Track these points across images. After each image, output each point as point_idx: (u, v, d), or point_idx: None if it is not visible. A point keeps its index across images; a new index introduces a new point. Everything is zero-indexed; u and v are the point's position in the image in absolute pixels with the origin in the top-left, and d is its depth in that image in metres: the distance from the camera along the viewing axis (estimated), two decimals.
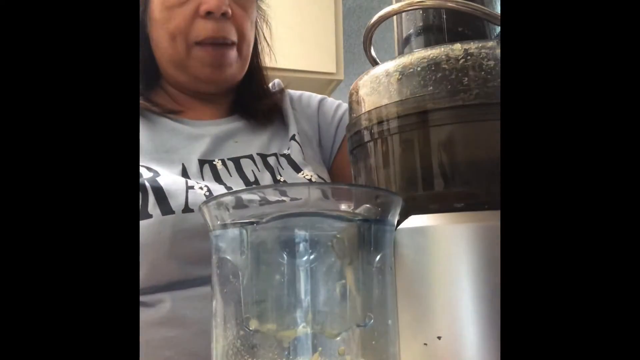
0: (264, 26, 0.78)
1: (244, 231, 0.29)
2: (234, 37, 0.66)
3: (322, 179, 0.70)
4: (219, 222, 0.31)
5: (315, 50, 1.79)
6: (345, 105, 0.81)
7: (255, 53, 0.75)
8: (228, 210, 0.31)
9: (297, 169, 0.68)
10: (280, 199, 0.30)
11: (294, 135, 0.72)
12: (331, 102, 0.82)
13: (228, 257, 0.31)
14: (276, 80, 0.82)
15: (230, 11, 0.64)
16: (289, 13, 1.74)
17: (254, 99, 0.74)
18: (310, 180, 0.67)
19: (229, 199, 0.31)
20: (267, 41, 0.79)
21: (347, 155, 0.79)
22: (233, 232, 0.30)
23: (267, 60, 0.79)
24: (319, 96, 0.83)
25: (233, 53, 0.67)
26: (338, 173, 0.78)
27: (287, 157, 0.69)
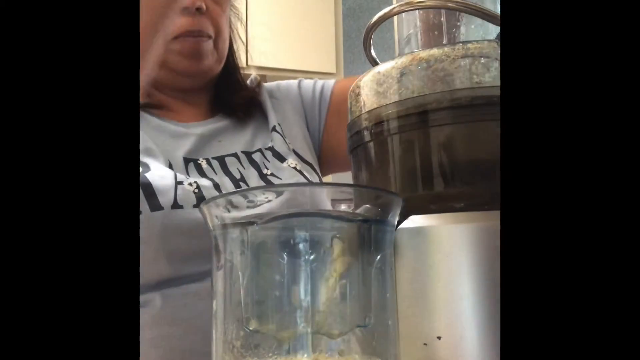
0: (239, 25, 0.80)
1: (244, 231, 0.29)
2: (210, 31, 0.68)
3: (308, 163, 0.71)
4: (219, 222, 0.31)
5: (315, 50, 1.80)
6: (322, 81, 0.82)
7: (231, 51, 0.77)
8: (228, 210, 0.31)
9: (282, 158, 0.69)
10: (270, 199, 0.30)
11: (274, 126, 0.73)
12: (308, 81, 0.84)
13: (228, 258, 0.31)
14: (252, 75, 0.83)
15: (204, 6, 0.66)
16: (289, 13, 1.74)
17: (232, 93, 0.75)
18: (295, 168, 0.68)
19: (228, 199, 0.31)
20: (241, 40, 0.81)
21: (335, 130, 0.79)
22: (233, 232, 0.30)
23: (244, 59, 0.81)
24: (297, 80, 0.85)
25: (209, 45, 0.68)
26: (329, 151, 0.78)
27: (271, 149, 0.70)
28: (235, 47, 0.79)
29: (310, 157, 0.73)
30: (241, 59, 0.81)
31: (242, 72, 0.80)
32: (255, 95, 0.78)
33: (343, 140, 0.43)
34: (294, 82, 0.84)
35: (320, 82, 0.82)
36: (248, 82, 0.81)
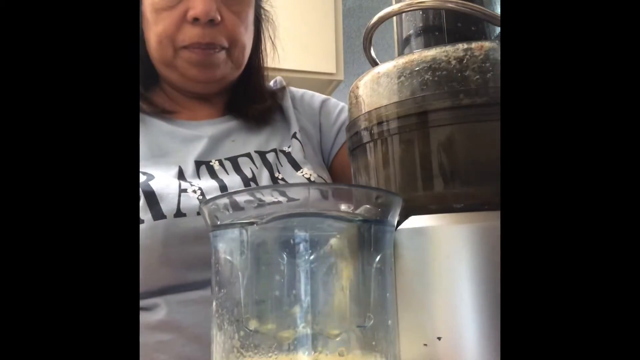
0: (269, 27, 0.78)
1: (244, 231, 0.29)
2: (223, 43, 0.65)
3: (322, 178, 0.70)
4: (219, 222, 0.31)
5: (315, 50, 1.79)
6: (346, 105, 0.81)
7: (256, 54, 0.75)
8: (228, 210, 0.31)
9: (297, 167, 0.68)
10: (278, 199, 0.30)
11: (295, 133, 0.72)
12: (334, 103, 0.82)
13: (228, 258, 0.31)
14: (278, 78, 0.81)
15: (218, 17, 0.63)
16: (289, 13, 1.74)
17: (248, 101, 0.73)
18: (309, 179, 0.67)
19: (228, 199, 0.31)
20: (272, 41, 0.78)
21: (347, 158, 0.78)
22: (233, 232, 0.30)
23: (270, 61, 0.78)
24: (322, 96, 0.83)
25: (221, 55, 0.66)
26: (336, 175, 0.77)
27: (287, 155, 0.69)
28: (262, 49, 0.76)
29: (321, 171, 0.72)
30: (271, 61, 0.77)
31: (266, 73, 0.77)
32: (277, 100, 0.76)
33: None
34: (318, 99, 0.82)
35: (346, 110, 0.80)
36: (271, 83, 0.79)
